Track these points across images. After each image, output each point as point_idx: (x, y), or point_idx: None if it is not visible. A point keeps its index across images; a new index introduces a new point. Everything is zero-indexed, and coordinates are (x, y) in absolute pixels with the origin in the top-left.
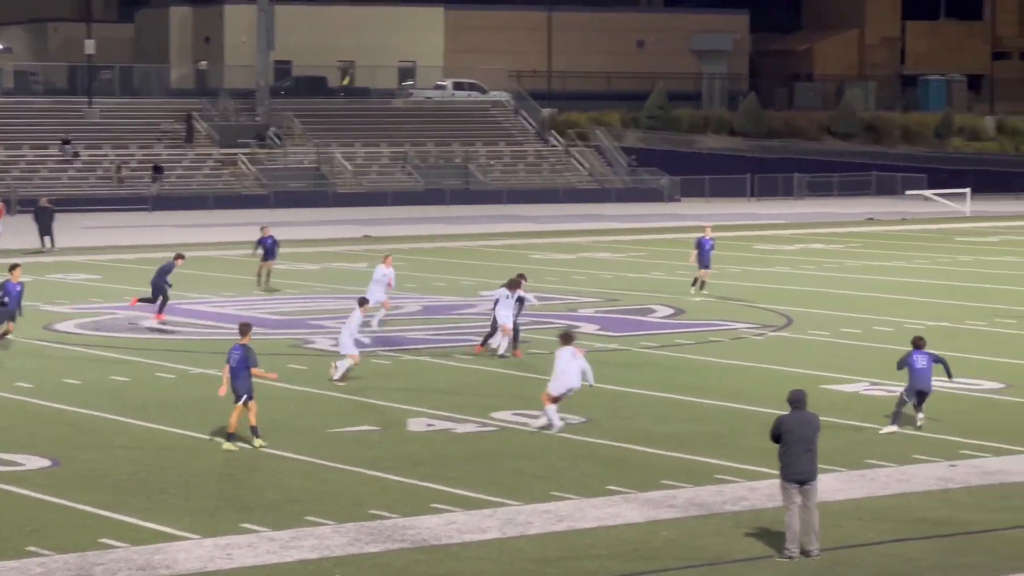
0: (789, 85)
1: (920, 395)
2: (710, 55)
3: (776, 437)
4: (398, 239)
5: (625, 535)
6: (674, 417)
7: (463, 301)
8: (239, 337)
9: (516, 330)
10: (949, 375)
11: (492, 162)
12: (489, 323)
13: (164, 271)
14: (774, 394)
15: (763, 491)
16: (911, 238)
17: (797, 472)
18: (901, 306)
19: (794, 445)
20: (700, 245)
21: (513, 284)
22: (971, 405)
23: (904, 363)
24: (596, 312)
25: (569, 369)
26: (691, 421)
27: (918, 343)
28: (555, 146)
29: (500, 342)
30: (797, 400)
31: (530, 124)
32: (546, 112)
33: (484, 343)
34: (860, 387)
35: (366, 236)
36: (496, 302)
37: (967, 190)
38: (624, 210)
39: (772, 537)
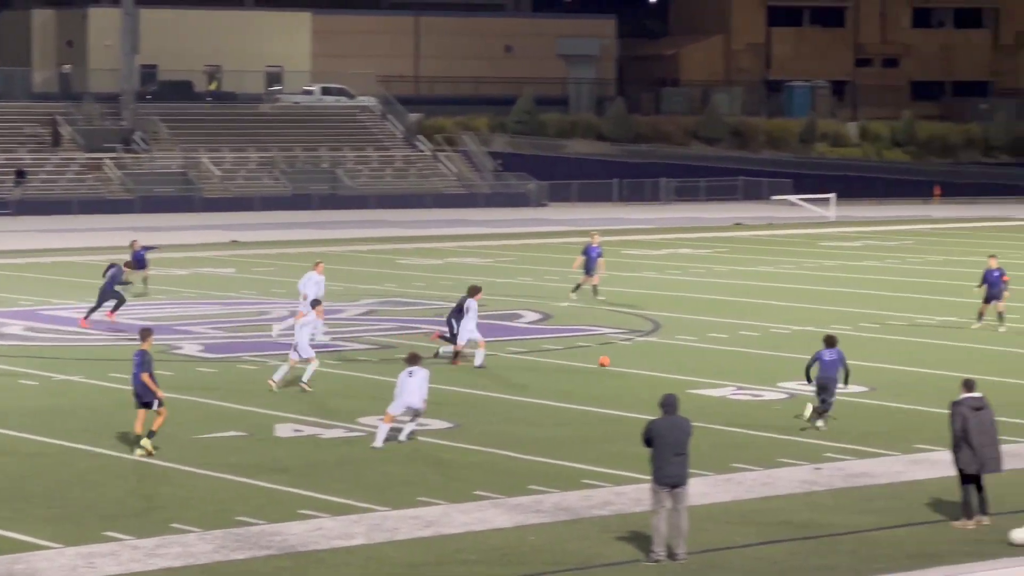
0: (656, 90)
1: (823, 390)
2: (578, 60)
3: (648, 441)
4: (266, 244)
5: (493, 540)
6: (542, 422)
7: (332, 306)
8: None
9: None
10: (845, 382)
11: (360, 167)
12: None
13: (114, 279)
14: (642, 399)
15: (630, 495)
16: (777, 243)
17: (668, 476)
18: (767, 311)
19: (665, 449)
20: (587, 252)
21: (474, 291)
22: (835, 409)
23: (813, 360)
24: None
25: (406, 389)
26: (559, 426)
27: (830, 341)
28: (423, 151)
29: (477, 353)
30: (669, 404)
31: (398, 129)
32: (414, 117)
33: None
34: (727, 391)
35: (234, 241)
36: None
37: (832, 195)
38: (491, 215)
39: (639, 541)
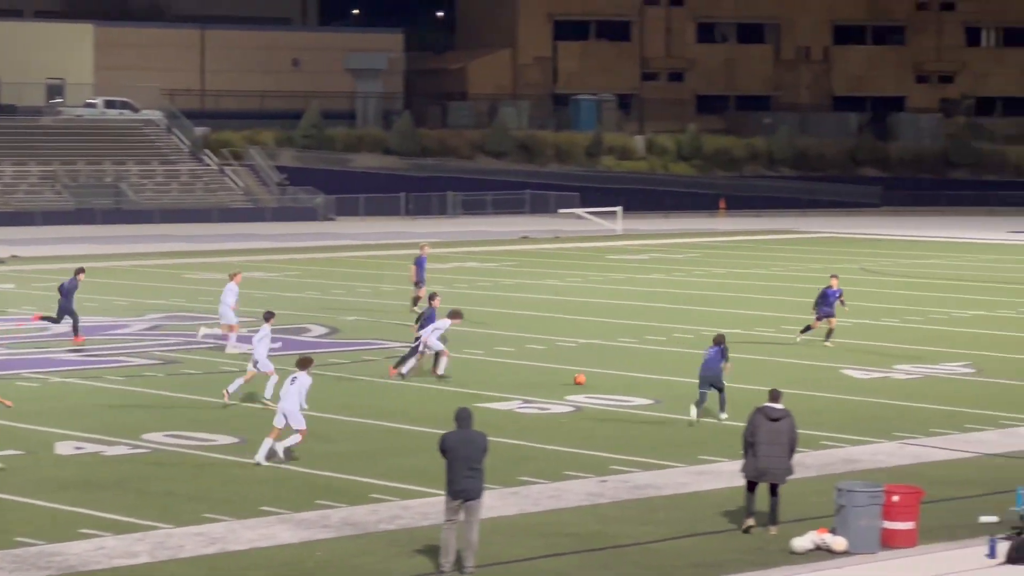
0: (443, 104)
1: (707, 383)
2: (365, 74)
3: (443, 453)
4: (47, 259)
5: (279, 556)
6: (329, 436)
7: (114, 321)
8: None
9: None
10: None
11: (144, 181)
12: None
13: (69, 291)
14: (429, 412)
15: (417, 509)
16: (564, 256)
17: (459, 489)
18: (554, 324)
19: (456, 462)
20: (418, 263)
21: (454, 314)
22: (621, 421)
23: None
24: (250, 332)
25: (284, 396)
26: (346, 440)
27: (718, 340)
28: (209, 165)
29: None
30: (461, 418)
31: (183, 143)
32: (199, 131)
33: (435, 366)
34: (514, 405)
35: (13, 256)
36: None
37: (618, 208)
38: (278, 229)
39: (426, 554)
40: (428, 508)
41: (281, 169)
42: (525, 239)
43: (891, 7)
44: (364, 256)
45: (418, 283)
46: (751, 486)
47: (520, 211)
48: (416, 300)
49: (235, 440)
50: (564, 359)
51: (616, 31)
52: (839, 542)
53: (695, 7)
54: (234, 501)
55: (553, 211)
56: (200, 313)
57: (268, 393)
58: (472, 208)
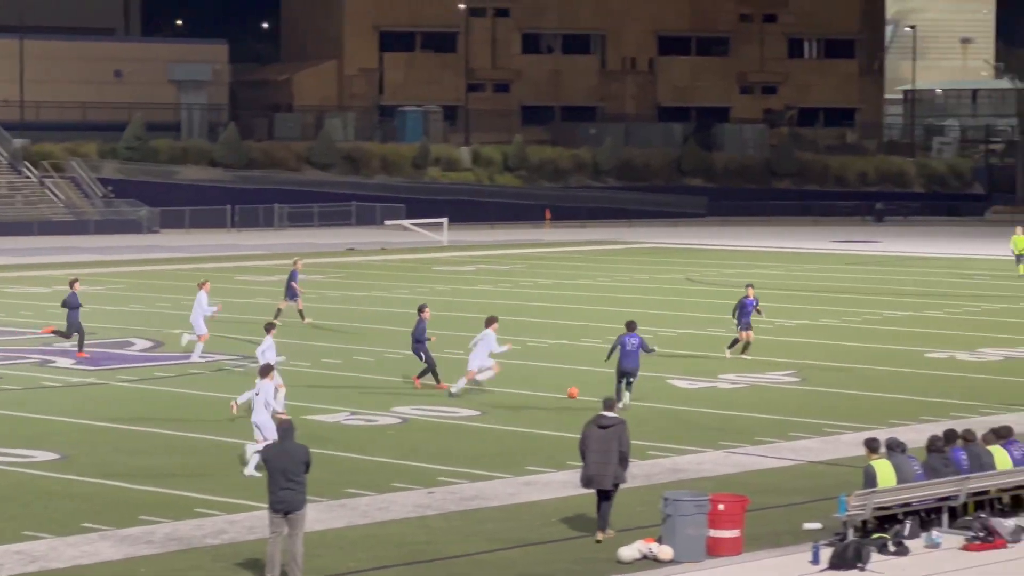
0: (269, 116)
1: (624, 375)
2: (189, 85)
3: (265, 466)
4: None
5: (103, 573)
6: (153, 451)
7: None
8: None
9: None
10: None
11: None
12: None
13: (74, 304)
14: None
15: (243, 523)
16: (391, 268)
17: (279, 502)
18: (381, 336)
19: (275, 475)
20: (292, 276)
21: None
22: (448, 432)
23: (615, 345)
24: (73, 345)
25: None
26: (171, 454)
27: (630, 326)
28: (29, 177)
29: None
30: (281, 431)
31: (2, 155)
32: (19, 143)
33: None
34: (341, 417)
35: None
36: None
37: (444, 220)
38: (102, 242)
39: (253, 568)
40: (254, 522)
41: (104, 181)
42: (351, 251)
43: (715, 18)
44: (189, 269)
45: (290, 297)
46: (599, 493)
47: (346, 223)
48: (279, 313)
49: (56, 456)
50: (392, 371)
51: (442, 42)
52: (665, 551)
53: (520, 18)
54: (55, 518)
55: (379, 222)
56: (20, 327)
57: (280, 405)
58: (298, 220)
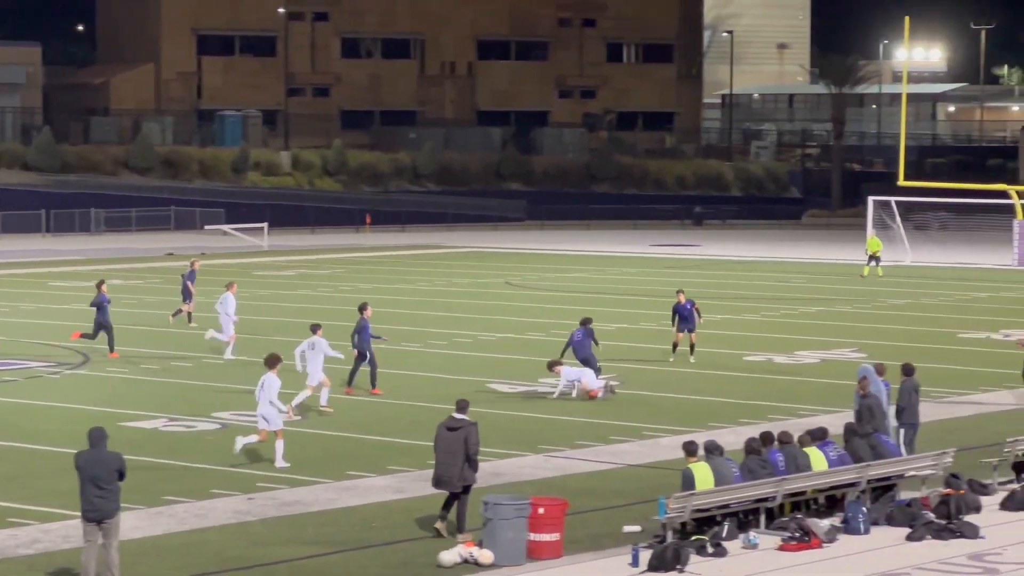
0: (85, 119)
1: (585, 362)
2: (2, 88)
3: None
4: None
5: None
6: None
7: None
8: None
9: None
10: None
11: None
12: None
13: (102, 305)
14: (71, 432)
15: (58, 532)
16: (211, 273)
17: (91, 510)
18: (200, 341)
19: (87, 483)
20: (189, 276)
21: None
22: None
23: (568, 343)
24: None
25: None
26: None
27: (584, 322)
28: None
29: None
30: (92, 438)
31: None
32: None
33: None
34: (159, 423)
35: None
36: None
37: (264, 224)
38: None
39: None
40: (68, 531)
41: None
42: (170, 256)
43: (534, 23)
44: (2, 275)
45: (186, 299)
46: (452, 496)
47: (165, 227)
48: (183, 313)
49: None
50: (210, 376)
51: (261, 46)
52: (486, 555)
53: (340, 22)
54: None
55: (199, 227)
56: None
57: (324, 400)
58: (116, 225)
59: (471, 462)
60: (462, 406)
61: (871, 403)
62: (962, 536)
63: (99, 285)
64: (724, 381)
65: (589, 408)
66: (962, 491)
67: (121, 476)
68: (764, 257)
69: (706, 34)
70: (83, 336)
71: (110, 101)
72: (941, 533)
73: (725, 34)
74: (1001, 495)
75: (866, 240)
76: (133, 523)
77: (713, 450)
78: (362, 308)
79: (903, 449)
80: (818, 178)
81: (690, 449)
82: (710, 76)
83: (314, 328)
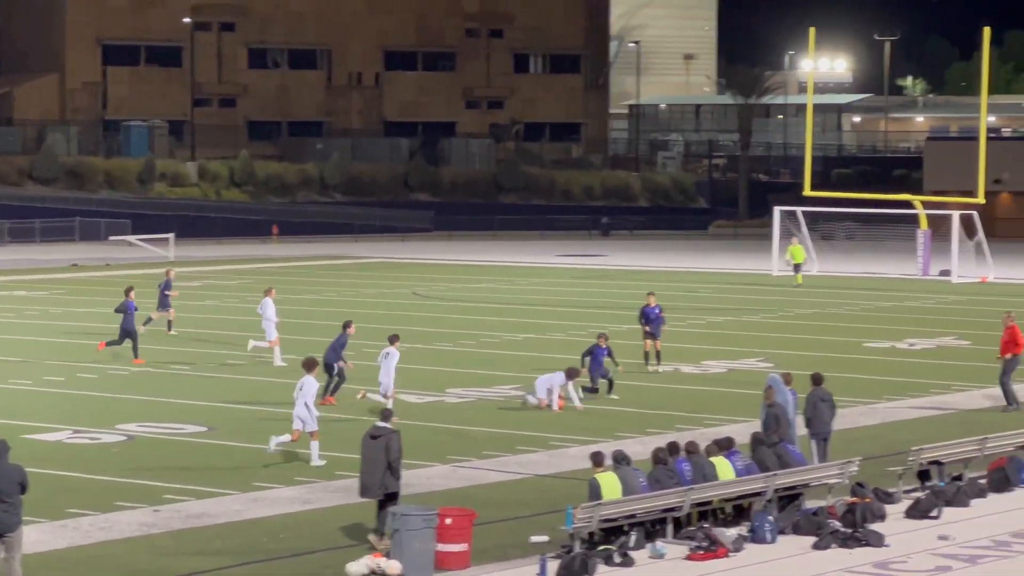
0: None
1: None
2: None
3: None
4: None
5: None
6: None
7: None
8: None
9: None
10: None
11: None
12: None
13: (128, 309)
14: None
15: None
16: (117, 284)
17: None
18: (106, 352)
19: None
20: (166, 286)
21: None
22: (175, 448)
23: (587, 353)
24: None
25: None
26: None
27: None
28: None
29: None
30: None
31: None
32: None
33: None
34: (63, 436)
35: None
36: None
37: (171, 235)
38: None
39: None
40: None
41: None
42: (75, 267)
43: (441, 33)
44: None
45: (162, 307)
46: (380, 504)
47: (70, 239)
48: (153, 322)
49: None
50: (117, 388)
51: (167, 56)
52: (393, 566)
53: (246, 33)
54: None
55: (104, 238)
56: None
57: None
58: (19, 236)
59: (392, 469)
60: (386, 415)
61: (777, 412)
62: (867, 544)
63: (128, 291)
64: (631, 391)
65: (496, 418)
66: (868, 499)
67: (23, 489)
68: (671, 267)
69: (613, 45)
70: (109, 344)
71: (13, 111)
72: (847, 542)
73: (632, 45)
74: (906, 503)
75: (788, 249)
76: (36, 537)
77: (621, 460)
78: (346, 325)
79: (816, 459)
80: (725, 188)
81: (597, 460)
82: (617, 87)
83: (392, 339)
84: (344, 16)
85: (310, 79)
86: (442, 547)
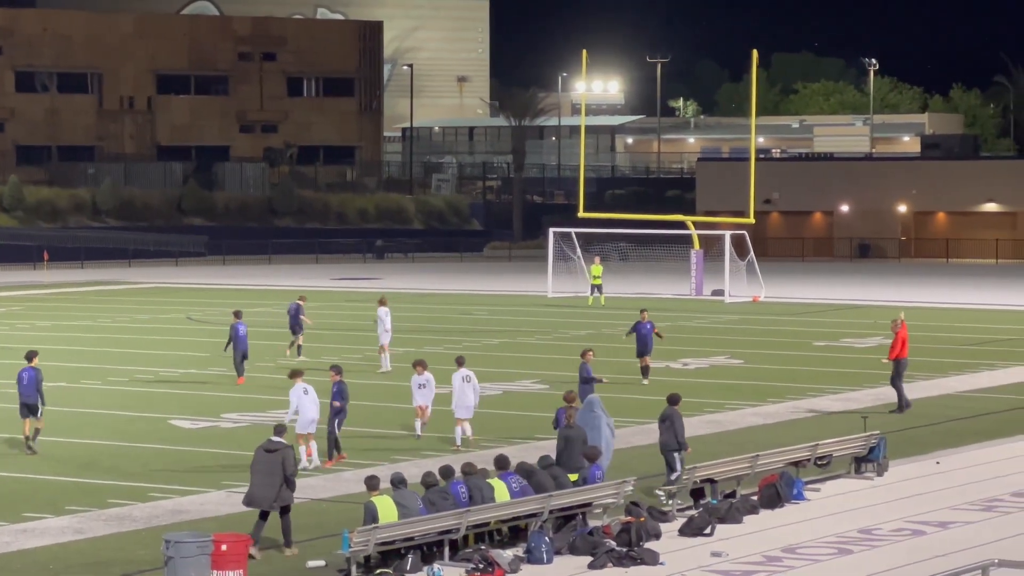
0: None
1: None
2: None
3: None
4: None
5: None
6: None
7: None
8: None
9: None
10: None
11: None
12: None
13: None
14: None
15: None
16: None
17: None
18: None
19: None
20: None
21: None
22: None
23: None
24: None
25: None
26: None
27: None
28: None
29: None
30: None
31: None
32: None
33: None
34: None
35: None
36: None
37: None
38: None
39: None
40: None
41: None
42: None
43: (214, 57)
44: None
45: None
46: (262, 515)
47: None
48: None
49: None
50: None
51: None
52: None
53: (13, 56)
54: None
55: None
56: None
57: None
58: None
59: (289, 482)
60: (279, 430)
61: (571, 434)
62: (642, 563)
63: (237, 315)
64: (409, 414)
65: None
66: (643, 519)
67: None
68: (446, 289)
69: (386, 67)
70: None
71: None
72: (622, 560)
73: (405, 67)
74: (680, 521)
75: (588, 269)
76: None
77: (398, 483)
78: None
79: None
80: (499, 210)
81: (371, 484)
82: (391, 109)
83: (459, 360)
84: (114, 39)
85: (81, 103)
86: (217, 574)
